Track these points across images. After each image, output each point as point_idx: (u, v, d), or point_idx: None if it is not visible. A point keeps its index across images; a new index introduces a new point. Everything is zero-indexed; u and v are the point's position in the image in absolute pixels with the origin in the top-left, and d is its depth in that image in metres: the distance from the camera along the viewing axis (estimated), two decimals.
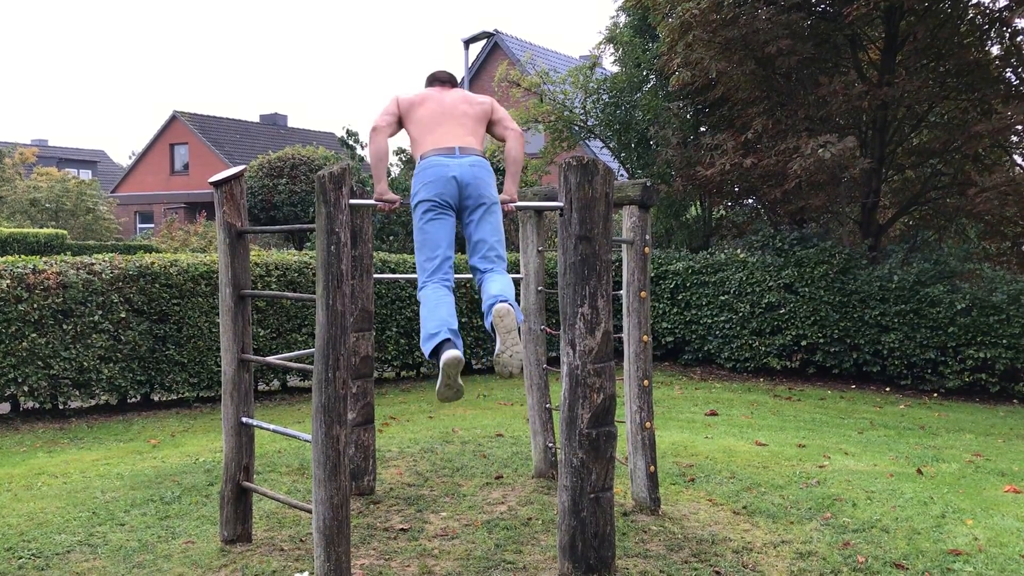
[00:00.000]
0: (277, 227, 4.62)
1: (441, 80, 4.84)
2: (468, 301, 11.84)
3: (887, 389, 11.76)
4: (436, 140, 4.45)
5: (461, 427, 8.39)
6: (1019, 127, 12.45)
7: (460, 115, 4.57)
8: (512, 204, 4.64)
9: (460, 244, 12.77)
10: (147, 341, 9.28)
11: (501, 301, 4.11)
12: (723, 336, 12.95)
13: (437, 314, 4.15)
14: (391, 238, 16.55)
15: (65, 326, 8.74)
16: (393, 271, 11.44)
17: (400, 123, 4.62)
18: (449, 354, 3.98)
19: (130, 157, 56.58)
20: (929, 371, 11.53)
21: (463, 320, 11.85)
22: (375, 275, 5.94)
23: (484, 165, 4.42)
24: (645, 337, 5.57)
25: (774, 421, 9.25)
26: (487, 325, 4.18)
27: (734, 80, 12.89)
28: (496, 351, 4.03)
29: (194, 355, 9.61)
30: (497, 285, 4.24)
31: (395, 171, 21.14)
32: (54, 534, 5.05)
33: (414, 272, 11.53)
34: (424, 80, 4.94)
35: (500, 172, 21.11)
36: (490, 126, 4.73)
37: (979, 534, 5.21)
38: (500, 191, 4.63)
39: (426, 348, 4.13)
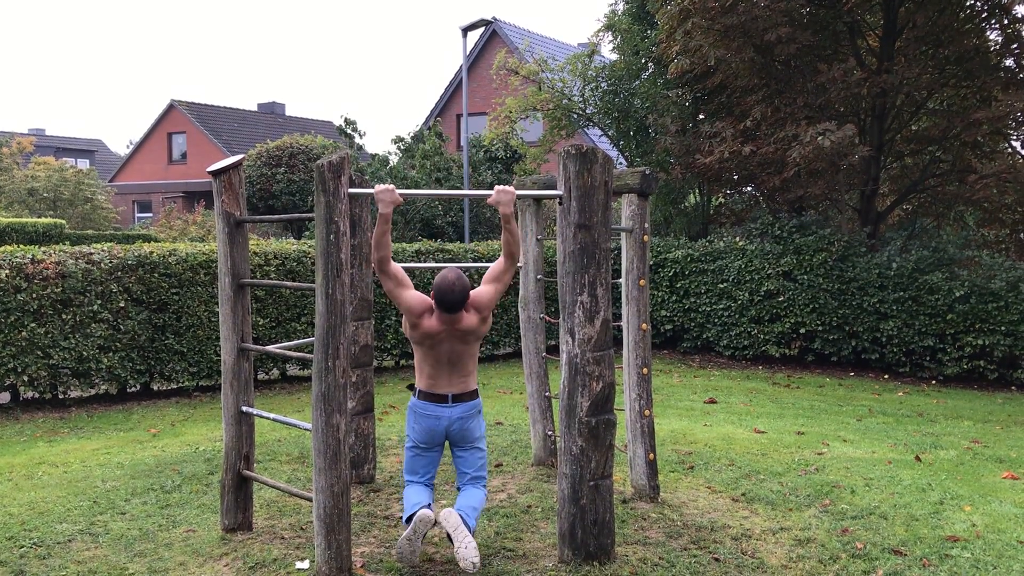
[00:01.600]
0: (276, 216, 4.62)
1: (447, 307, 4.33)
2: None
3: (886, 376, 11.78)
4: (434, 380, 4.45)
5: None
6: (1018, 114, 12.40)
7: (459, 354, 4.44)
8: (511, 199, 4.39)
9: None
10: (146, 330, 9.29)
11: (454, 509, 4.33)
12: (722, 324, 12.96)
13: (415, 498, 4.45)
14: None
15: (64, 316, 8.74)
16: (392, 260, 11.42)
17: (398, 285, 4.41)
18: (421, 512, 4.21)
19: (128, 146, 56.57)
20: (927, 358, 11.55)
21: None
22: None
23: (473, 411, 4.53)
24: (644, 325, 5.58)
25: (773, 408, 9.27)
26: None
27: (733, 67, 12.85)
28: (455, 550, 4.18)
29: (193, 344, 9.62)
30: (463, 499, 4.51)
31: (393, 159, 21.13)
32: (55, 523, 5.06)
33: (413, 261, 11.54)
34: (432, 291, 4.38)
35: (499, 160, 21.13)
36: (495, 280, 4.52)
37: (977, 520, 5.23)
38: (501, 182, 4.58)
39: (403, 518, 4.42)
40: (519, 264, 6.30)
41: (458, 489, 4.66)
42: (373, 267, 4.48)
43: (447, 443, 4.63)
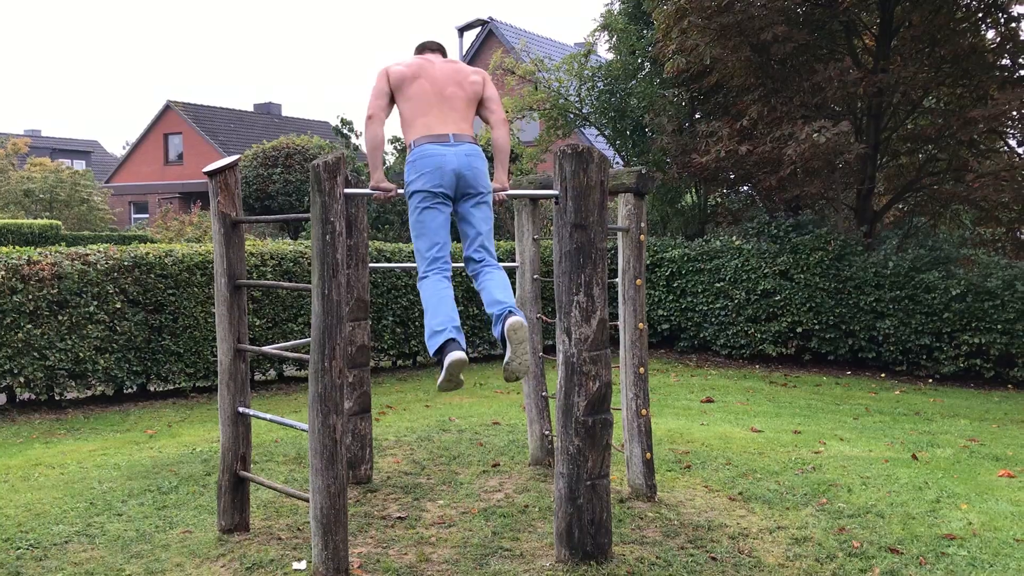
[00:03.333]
0: (272, 216, 4.62)
1: (431, 49, 4.74)
2: (464, 289, 11.84)
3: (882, 375, 11.79)
4: (429, 124, 4.37)
5: (458, 415, 8.40)
6: (1015, 113, 12.42)
7: (452, 96, 4.48)
8: (504, 192, 4.62)
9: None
10: (143, 331, 9.28)
11: (512, 313, 4.14)
12: (719, 323, 12.97)
13: (441, 310, 4.16)
14: (386, 227, 16.53)
15: (60, 317, 8.73)
16: (389, 260, 11.43)
17: (392, 100, 4.52)
18: (455, 355, 4.01)
19: (124, 147, 56.46)
20: (924, 357, 11.56)
21: (460, 308, 11.84)
22: (371, 264, 5.94)
23: (479, 154, 4.40)
24: (641, 325, 5.58)
25: (770, 408, 9.28)
26: (496, 333, 4.19)
27: (729, 67, 12.86)
28: (507, 359, 4.08)
29: (190, 345, 9.61)
30: (500, 288, 4.26)
31: (390, 159, 21.11)
32: (52, 525, 5.06)
33: (410, 261, 11.52)
34: (413, 50, 4.83)
35: (489, 159, 21.15)
36: (478, 106, 4.63)
37: (973, 518, 5.24)
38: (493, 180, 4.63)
39: (431, 344, 4.14)
40: (514, 264, 6.32)
41: (472, 277, 4.41)
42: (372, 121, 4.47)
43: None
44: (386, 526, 5.05)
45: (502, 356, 11.67)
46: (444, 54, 4.80)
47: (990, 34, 12.96)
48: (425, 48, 4.76)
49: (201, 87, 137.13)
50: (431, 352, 4.14)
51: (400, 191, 4.47)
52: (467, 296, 11.96)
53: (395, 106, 4.54)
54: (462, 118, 4.44)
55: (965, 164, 12.89)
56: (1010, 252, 13.27)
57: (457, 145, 4.33)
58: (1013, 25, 12.39)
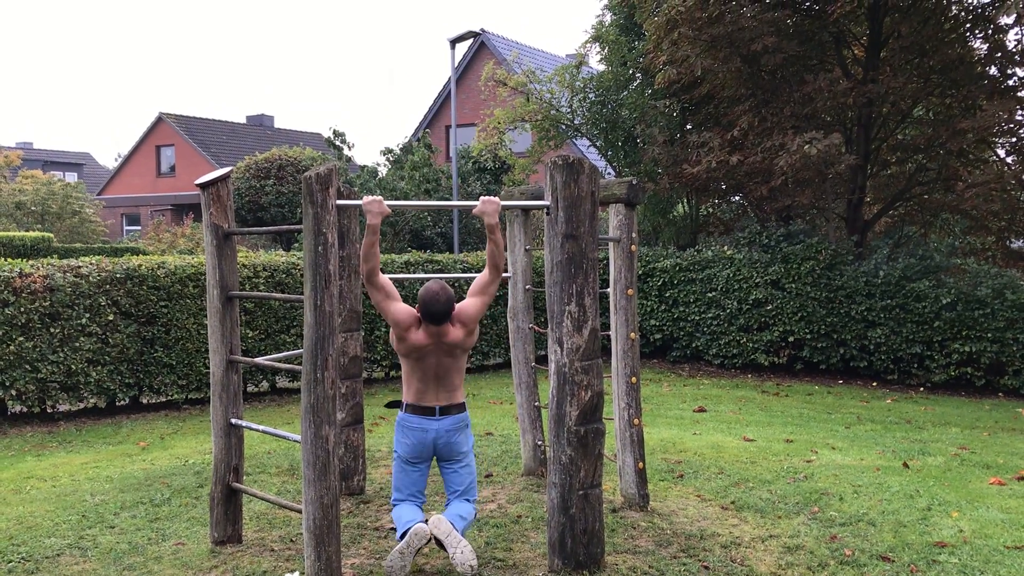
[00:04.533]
0: (264, 228, 4.63)
1: (434, 319, 4.41)
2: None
3: (874, 384, 11.83)
4: (422, 392, 4.50)
5: None
6: (1003, 123, 12.51)
7: (448, 349, 4.46)
8: (496, 210, 4.43)
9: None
10: (135, 343, 9.26)
11: (443, 515, 4.37)
12: (711, 333, 13.00)
13: (409, 519, 4.42)
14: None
15: (52, 329, 8.72)
16: (381, 271, 11.42)
17: (387, 297, 4.45)
18: (417, 526, 4.26)
19: (116, 159, 56.29)
20: (915, 365, 11.61)
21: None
22: None
23: (461, 424, 4.56)
24: (633, 334, 5.60)
25: (762, 417, 9.30)
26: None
27: (720, 77, 12.93)
28: (450, 556, 4.24)
29: (182, 357, 9.60)
30: (453, 508, 4.55)
31: (382, 171, 21.14)
32: (44, 537, 5.05)
33: (402, 272, 11.54)
34: (418, 304, 4.46)
35: (487, 171, 21.16)
36: (481, 293, 4.58)
37: (964, 526, 5.27)
38: (490, 193, 4.64)
39: (397, 535, 4.44)
40: (506, 275, 6.32)
41: (447, 504, 4.67)
42: (362, 279, 4.51)
43: (435, 461, 4.65)
44: (379, 537, 5.05)
45: (495, 367, 11.59)
46: (446, 318, 4.46)
47: (978, 44, 13.06)
48: (429, 316, 4.41)
49: (193, 99, 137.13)
50: (397, 537, 4.45)
51: (390, 210, 4.42)
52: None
53: (380, 295, 4.48)
54: (454, 387, 4.55)
55: (955, 173, 12.96)
56: (1000, 261, 13.35)
57: (441, 420, 4.51)
58: (1000, 36, 12.50)
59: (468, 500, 4.63)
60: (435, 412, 4.50)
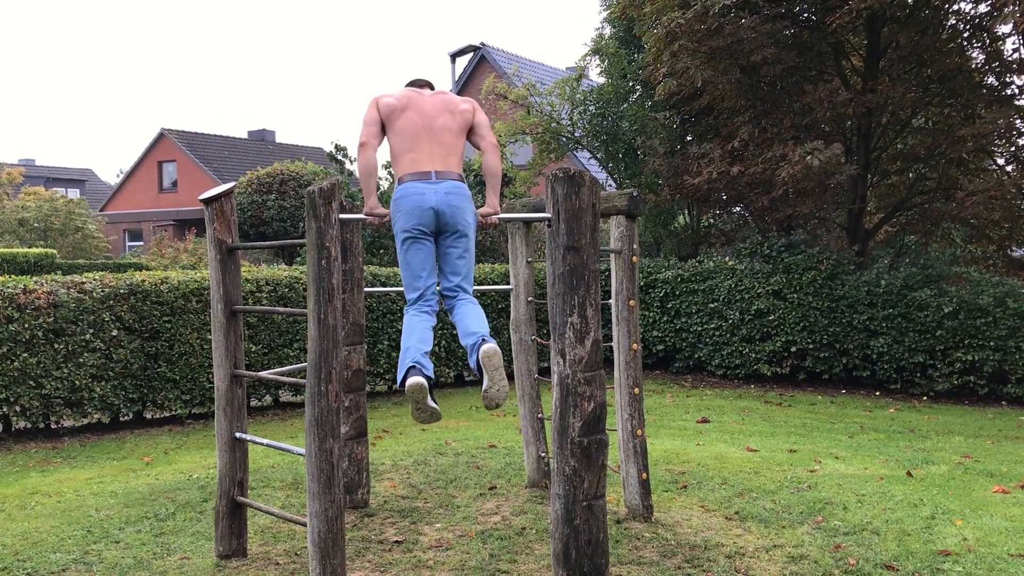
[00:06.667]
0: (267, 243, 4.66)
1: (420, 85, 4.79)
2: None
3: (877, 393, 11.83)
4: (414, 161, 4.45)
5: (454, 439, 8.41)
6: (1002, 130, 12.55)
7: (440, 129, 4.53)
8: (496, 216, 4.66)
9: None
10: (139, 359, 9.29)
11: (485, 341, 4.26)
12: (713, 343, 13.01)
13: (410, 341, 4.31)
14: (381, 252, 16.58)
15: (56, 345, 8.74)
16: (384, 284, 11.47)
17: (383, 129, 4.58)
18: (411, 380, 4.13)
19: (118, 175, 56.41)
20: (918, 375, 11.61)
21: (449, 334, 11.87)
22: (366, 289, 5.98)
23: (460, 191, 4.47)
24: (635, 345, 5.62)
25: (765, 427, 9.30)
26: (472, 362, 4.32)
27: (720, 89, 12.99)
28: (485, 387, 4.19)
29: (186, 372, 9.62)
30: (473, 319, 4.39)
31: (384, 184, 21.19)
32: (49, 553, 5.06)
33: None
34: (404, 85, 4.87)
35: (482, 184, 21.24)
36: (468, 133, 4.70)
37: (968, 534, 5.27)
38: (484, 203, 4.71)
39: (399, 376, 4.28)
40: (508, 287, 6.36)
41: (450, 307, 4.52)
42: (364, 150, 4.53)
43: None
44: (384, 550, 5.06)
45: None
46: (432, 88, 4.85)
47: (976, 53, 13.12)
48: (414, 84, 4.81)
49: (195, 115, 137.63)
50: (398, 383, 4.28)
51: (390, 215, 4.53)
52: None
53: (386, 136, 4.62)
54: (449, 152, 4.51)
55: (955, 182, 12.99)
56: (1001, 269, 13.36)
57: (438, 183, 4.41)
58: (998, 44, 12.55)
59: (474, 300, 4.50)
60: (431, 176, 4.41)
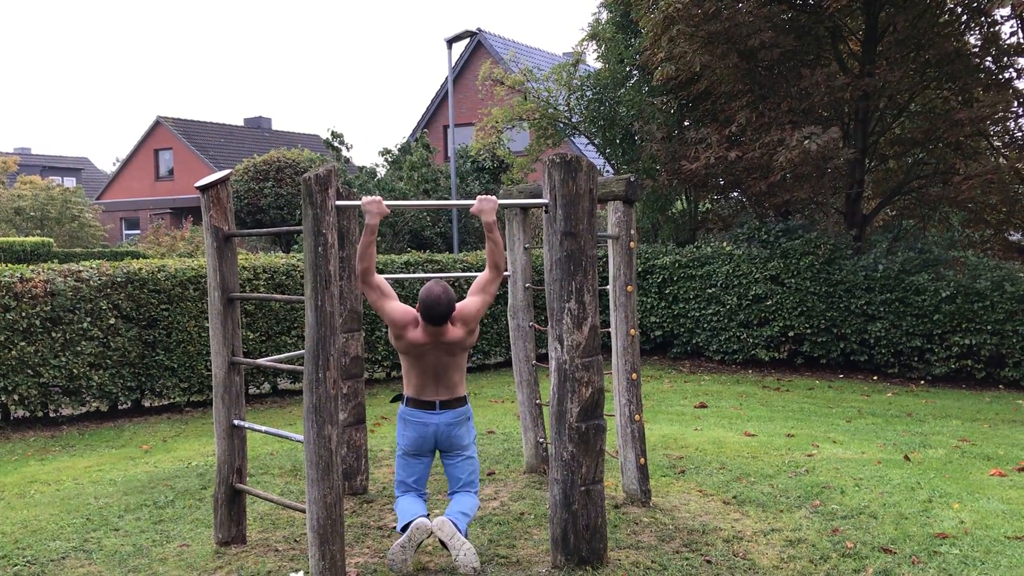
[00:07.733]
0: (264, 230, 4.64)
1: (434, 321, 4.40)
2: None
3: (874, 377, 11.85)
4: (421, 387, 4.53)
5: None
6: (999, 114, 12.53)
7: (448, 348, 4.47)
8: (493, 208, 4.44)
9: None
10: (136, 347, 9.28)
11: (445, 516, 4.39)
12: (711, 329, 13.02)
13: (411, 512, 4.48)
14: (377, 239, 16.55)
15: (54, 334, 8.73)
16: (380, 272, 11.46)
17: (381, 296, 4.44)
18: (416, 522, 4.33)
19: (114, 164, 56.39)
20: (915, 359, 11.63)
21: None
22: None
23: (461, 418, 4.59)
24: (632, 331, 5.62)
25: (763, 412, 9.32)
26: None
27: (717, 73, 12.95)
28: (453, 559, 4.30)
29: (184, 360, 9.62)
30: (455, 504, 4.58)
31: (381, 172, 21.15)
32: (48, 541, 5.06)
33: (402, 272, 11.56)
34: (418, 304, 4.43)
35: (486, 170, 21.18)
36: (480, 291, 4.58)
37: (965, 517, 5.28)
38: (489, 192, 4.68)
39: (399, 527, 4.51)
40: (506, 273, 6.34)
41: (449, 497, 4.70)
42: (356, 278, 4.53)
43: (437, 454, 4.67)
44: (383, 536, 5.07)
45: (496, 366, 11.58)
46: (446, 319, 4.45)
47: (973, 38, 13.08)
48: (429, 318, 4.40)
49: (191, 102, 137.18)
50: (398, 529, 4.52)
51: (388, 210, 4.44)
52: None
53: (379, 299, 4.47)
54: (454, 383, 4.58)
55: (952, 167, 12.98)
56: (999, 253, 13.37)
57: (441, 414, 4.54)
58: (995, 28, 12.52)
59: (470, 492, 4.66)
60: (435, 406, 4.53)
